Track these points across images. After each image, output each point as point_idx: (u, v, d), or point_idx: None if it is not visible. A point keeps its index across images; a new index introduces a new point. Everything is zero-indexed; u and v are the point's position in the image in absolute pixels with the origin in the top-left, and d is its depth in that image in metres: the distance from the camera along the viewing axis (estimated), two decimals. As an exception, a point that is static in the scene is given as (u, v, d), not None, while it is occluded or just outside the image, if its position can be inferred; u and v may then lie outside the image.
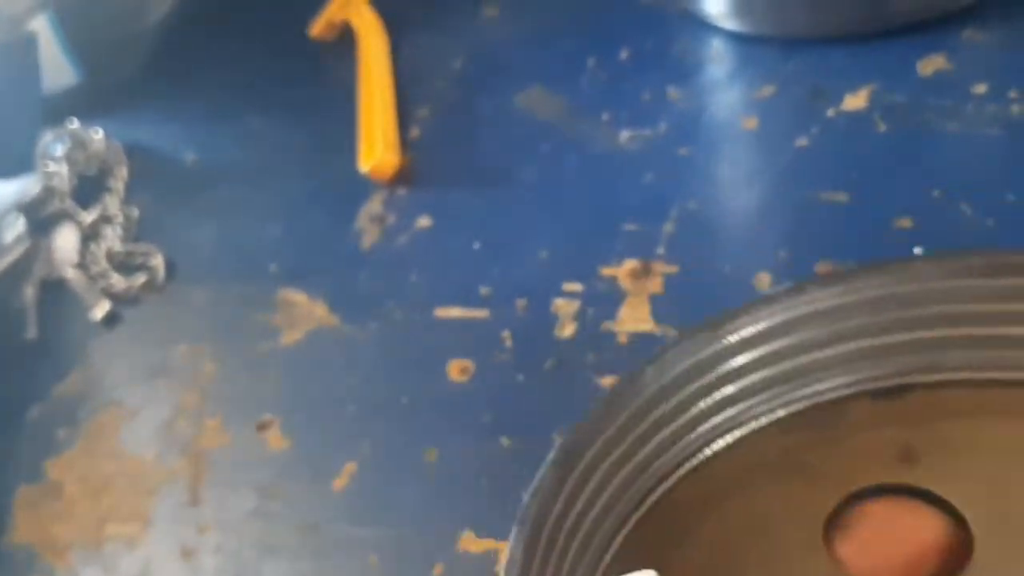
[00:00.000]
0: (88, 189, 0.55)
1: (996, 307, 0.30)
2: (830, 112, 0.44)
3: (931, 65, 0.44)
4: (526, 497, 0.30)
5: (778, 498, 0.29)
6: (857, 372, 0.30)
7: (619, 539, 0.29)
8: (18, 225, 0.54)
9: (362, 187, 0.50)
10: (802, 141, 0.44)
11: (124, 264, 0.52)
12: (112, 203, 0.55)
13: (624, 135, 0.47)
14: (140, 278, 0.51)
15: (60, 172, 0.55)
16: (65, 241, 0.54)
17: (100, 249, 0.53)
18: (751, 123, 0.46)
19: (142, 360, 0.48)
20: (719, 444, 0.30)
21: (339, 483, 0.41)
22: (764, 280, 0.40)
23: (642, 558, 0.28)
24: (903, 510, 0.28)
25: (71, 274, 0.52)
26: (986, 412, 0.29)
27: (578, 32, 0.52)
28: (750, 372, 0.31)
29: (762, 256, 0.41)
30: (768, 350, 0.31)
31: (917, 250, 0.39)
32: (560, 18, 0.54)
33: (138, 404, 0.47)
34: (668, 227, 0.43)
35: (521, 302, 0.43)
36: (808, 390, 0.30)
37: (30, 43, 0.55)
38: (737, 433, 0.30)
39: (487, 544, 0.37)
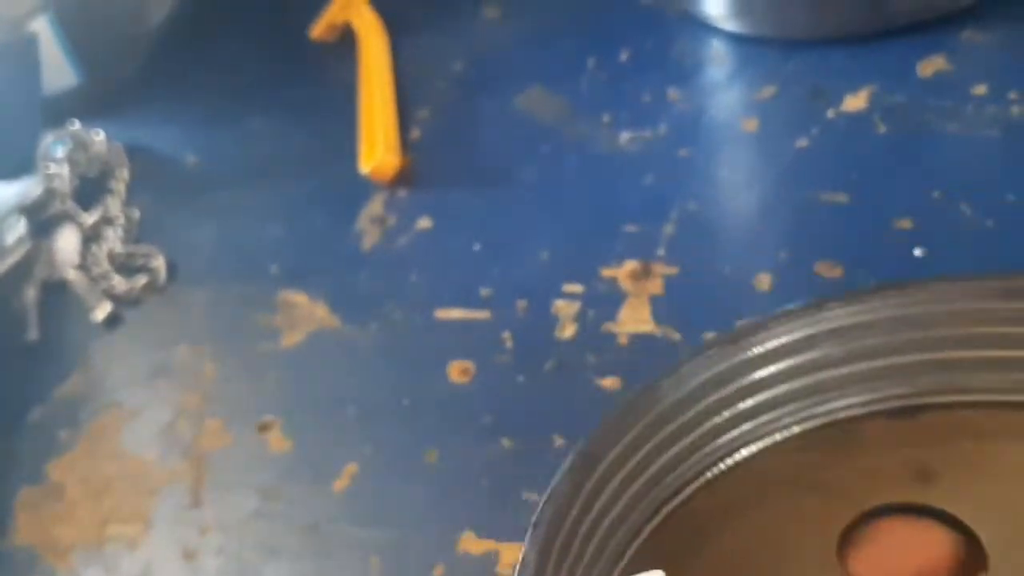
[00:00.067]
0: (89, 190, 0.56)
1: (1015, 329, 0.30)
2: (830, 113, 0.44)
3: (931, 66, 0.44)
4: (541, 501, 0.30)
5: (793, 514, 0.29)
6: (874, 391, 0.30)
7: (632, 549, 0.29)
8: (19, 227, 0.54)
9: (363, 188, 0.50)
10: (802, 142, 0.44)
11: (125, 265, 0.52)
12: (113, 204, 0.55)
13: (624, 136, 0.47)
14: (141, 279, 0.51)
15: (61, 174, 0.56)
16: (66, 243, 0.54)
17: (101, 250, 0.53)
18: (751, 124, 0.46)
19: (143, 361, 0.48)
20: (735, 458, 0.30)
21: (340, 484, 0.41)
22: (764, 281, 0.40)
23: (656, 568, 0.28)
24: (917, 529, 0.28)
25: (72, 275, 0.52)
26: (1003, 433, 0.29)
27: (578, 33, 0.52)
28: (768, 387, 0.31)
29: (762, 257, 0.41)
30: (786, 366, 0.31)
31: (917, 251, 0.39)
32: (560, 19, 0.54)
33: (139, 405, 0.47)
34: (668, 228, 0.43)
35: (521, 303, 0.44)
36: (825, 407, 0.30)
37: (31, 44, 0.55)
38: (753, 448, 0.30)
39: (487, 545, 0.37)
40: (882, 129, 0.43)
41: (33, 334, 0.51)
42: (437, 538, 0.38)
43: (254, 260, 0.50)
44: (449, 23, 0.56)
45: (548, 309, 0.43)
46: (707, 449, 0.30)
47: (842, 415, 0.30)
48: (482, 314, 0.44)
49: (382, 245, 0.48)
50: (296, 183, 0.53)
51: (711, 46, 0.49)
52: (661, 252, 0.43)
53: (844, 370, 0.31)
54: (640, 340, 0.41)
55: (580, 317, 0.42)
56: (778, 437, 0.30)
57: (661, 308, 0.41)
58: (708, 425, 0.31)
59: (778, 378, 0.31)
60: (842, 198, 0.42)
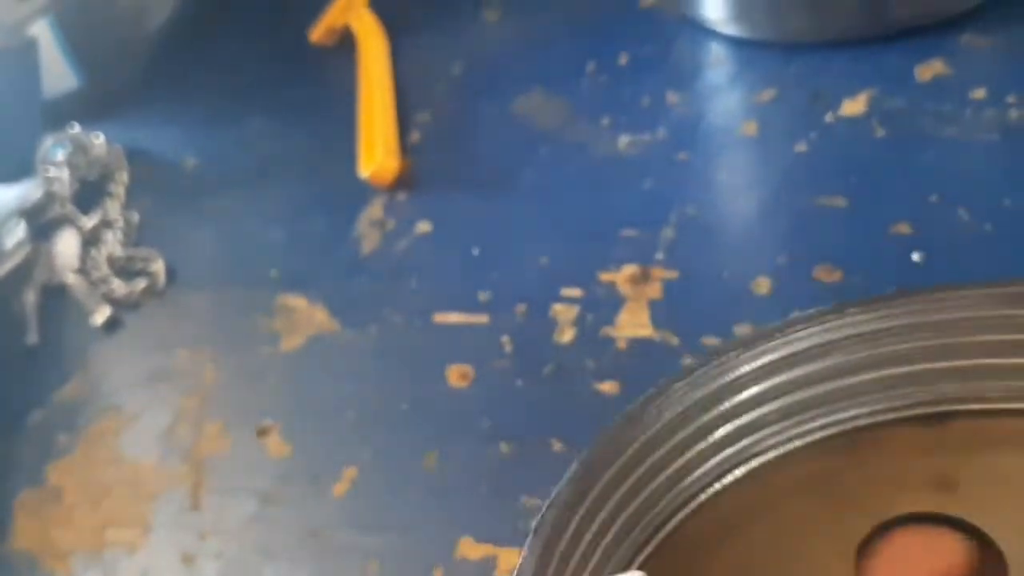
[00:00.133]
0: (89, 194, 0.56)
1: None
2: (829, 117, 0.44)
3: (930, 70, 0.44)
4: (543, 507, 0.29)
5: (808, 522, 0.29)
6: (896, 399, 0.30)
7: (640, 558, 0.29)
8: (19, 230, 0.54)
9: (362, 192, 0.50)
10: (801, 146, 0.44)
11: (125, 269, 0.52)
12: (113, 208, 0.55)
13: (624, 140, 0.47)
14: (141, 283, 0.51)
15: (61, 177, 0.56)
16: (66, 246, 0.54)
17: (101, 254, 0.53)
18: (750, 128, 0.46)
19: (142, 365, 0.48)
20: (750, 465, 0.30)
21: (339, 488, 0.41)
22: (763, 285, 0.40)
23: None
24: (935, 539, 0.27)
25: (72, 279, 0.52)
26: None
27: (578, 36, 0.52)
28: (785, 394, 0.30)
29: (761, 261, 0.41)
30: (802, 372, 0.30)
31: (915, 256, 0.39)
32: (560, 23, 0.54)
33: (138, 409, 0.47)
34: (667, 232, 0.43)
35: (520, 307, 0.44)
36: (844, 415, 0.30)
37: (31, 48, 0.55)
38: (768, 456, 0.30)
39: (486, 549, 0.37)
40: (881, 133, 0.43)
41: (32, 338, 0.51)
42: (436, 542, 0.38)
43: (253, 264, 0.50)
44: (449, 26, 0.56)
45: (547, 313, 0.43)
46: (719, 458, 0.30)
47: (862, 422, 0.30)
48: (481, 318, 0.44)
49: (381, 249, 0.48)
50: (295, 186, 0.53)
51: (710, 50, 0.49)
52: (660, 256, 0.43)
53: (863, 377, 0.30)
54: (639, 344, 0.41)
55: (579, 321, 0.42)
56: (794, 445, 0.30)
57: (660, 312, 0.41)
58: (720, 433, 0.30)
59: (795, 384, 0.30)
60: (841, 202, 0.42)
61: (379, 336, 0.45)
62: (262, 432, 0.44)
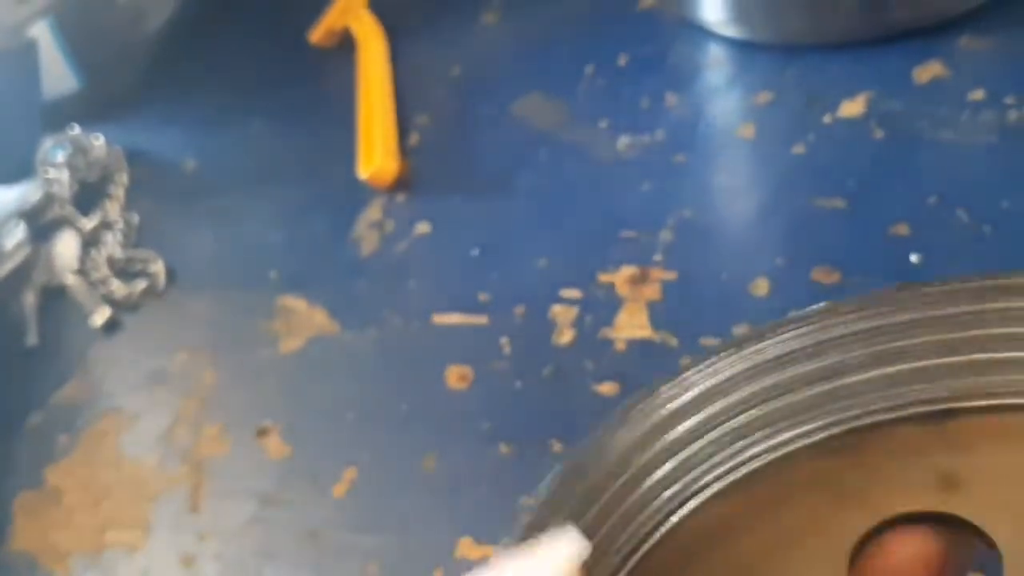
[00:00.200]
0: (88, 195, 0.56)
1: None
2: (827, 119, 0.44)
3: (928, 72, 0.44)
4: (525, 512, 0.29)
5: (807, 521, 0.29)
6: (899, 396, 0.30)
7: (630, 564, 0.29)
8: (19, 231, 0.54)
9: (361, 194, 0.50)
10: (799, 148, 0.44)
11: (124, 270, 0.52)
12: (112, 209, 0.55)
13: (622, 142, 0.47)
14: (140, 284, 0.51)
15: (61, 178, 0.56)
16: (65, 247, 0.54)
17: (100, 255, 0.53)
18: (749, 130, 0.46)
19: (142, 367, 0.48)
20: (751, 467, 0.30)
21: (339, 490, 0.41)
22: (762, 286, 0.41)
23: None
24: (931, 539, 0.27)
25: (71, 280, 0.53)
26: None
27: (577, 39, 0.52)
28: (780, 395, 0.30)
29: (760, 263, 0.41)
30: (797, 373, 0.30)
31: (914, 257, 0.39)
32: (559, 25, 0.54)
33: (138, 411, 0.47)
34: (666, 234, 0.44)
35: (519, 309, 0.44)
36: (844, 415, 0.30)
37: (30, 50, 0.56)
38: (768, 457, 0.29)
39: (486, 550, 0.37)
40: (879, 135, 0.43)
41: (32, 339, 0.51)
42: (435, 544, 0.38)
43: (253, 265, 0.50)
44: (448, 28, 0.56)
45: (546, 315, 0.43)
46: (717, 458, 0.30)
47: (863, 422, 0.30)
48: (480, 319, 0.44)
49: (380, 251, 0.48)
50: (295, 188, 0.53)
51: (709, 52, 0.49)
52: (658, 258, 0.43)
53: (861, 376, 0.30)
54: (638, 346, 0.41)
55: (578, 323, 0.42)
56: (795, 445, 0.30)
57: (658, 314, 0.41)
58: (717, 432, 0.30)
59: (795, 383, 0.30)
60: (839, 204, 0.42)
61: (378, 337, 0.45)
62: (262, 433, 0.44)
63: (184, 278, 0.51)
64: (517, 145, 0.49)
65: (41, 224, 0.55)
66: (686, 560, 0.28)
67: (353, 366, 0.45)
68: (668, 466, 0.29)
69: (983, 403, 0.29)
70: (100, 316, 0.51)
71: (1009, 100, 0.42)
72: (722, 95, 0.48)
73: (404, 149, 0.51)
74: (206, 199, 0.54)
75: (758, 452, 0.29)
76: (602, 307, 0.42)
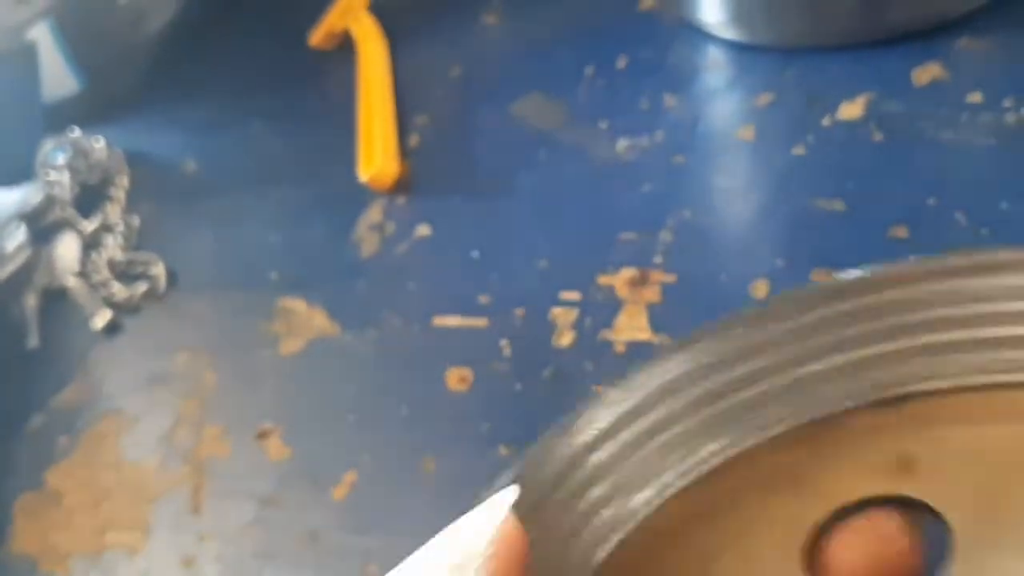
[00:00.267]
0: (89, 197, 0.56)
1: (992, 307, 0.29)
2: (826, 121, 0.44)
3: (927, 74, 0.44)
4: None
5: (763, 515, 0.29)
6: (851, 385, 0.30)
7: (592, 565, 0.28)
8: (19, 234, 0.54)
9: (361, 195, 0.50)
10: (798, 149, 0.44)
11: (125, 273, 0.52)
12: (113, 211, 0.55)
13: (622, 143, 0.47)
14: (141, 287, 0.51)
15: (61, 181, 0.56)
16: (66, 250, 0.54)
17: (101, 258, 0.53)
18: (748, 132, 0.46)
19: (142, 369, 0.49)
20: (711, 464, 0.29)
21: (339, 492, 0.41)
22: (761, 288, 0.41)
23: None
24: (885, 523, 0.27)
25: (72, 283, 0.53)
26: (989, 417, 0.28)
27: (576, 40, 0.52)
28: (737, 390, 0.30)
29: (759, 264, 0.41)
30: (749, 369, 0.30)
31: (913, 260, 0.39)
32: (559, 27, 0.54)
33: (138, 412, 0.47)
34: (665, 236, 0.44)
35: (519, 311, 0.44)
36: (802, 406, 0.30)
37: (30, 52, 0.56)
38: (727, 454, 0.29)
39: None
40: (878, 137, 0.43)
41: (33, 341, 0.51)
42: (435, 545, 0.38)
43: (253, 267, 0.50)
44: (448, 29, 0.56)
45: (546, 317, 0.43)
46: (671, 459, 0.29)
47: (823, 411, 0.30)
48: (480, 321, 0.44)
49: (380, 252, 0.48)
50: (295, 190, 0.53)
51: (708, 54, 0.49)
52: (658, 260, 0.43)
53: (814, 367, 0.30)
54: (637, 348, 0.41)
55: (578, 325, 0.42)
56: (752, 441, 0.30)
57: (658, 316, 0.42)
58: (668, 434, 0.30)
59: (753, 377, 0.30)
60: (838, 206, 0.42)
61: (378, 339, 0.45)
62: (262, 435, 0.44)
63: (185, 280, 0.51)
64: (517, 147, 0.50)
65: (42, 226, 0.55)
66: (646, 559, 0.28)
67: (353, 368, 0.45)
68: (622, 469, 0.29)
69: (937, 385, 0.29)
70: (101, 318, 0.51)
71: (1008, 102, 0.42)
72: (722, 96, 0.48)
73: (404, 150, 0.51)
74: (206, 201, 0.54)
75: (715, 450, 0.29)
76: (602, 309, 0.42)
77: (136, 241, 0.54)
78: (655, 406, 0.29)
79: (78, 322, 0.51)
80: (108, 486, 0.45)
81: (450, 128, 0.52)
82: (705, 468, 0.29)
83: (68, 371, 0.50)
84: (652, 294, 0.42)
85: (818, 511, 0.28)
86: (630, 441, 0.29)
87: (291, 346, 0.47)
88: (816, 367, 0.30)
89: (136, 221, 0.54)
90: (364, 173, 0.51)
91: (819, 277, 0.40)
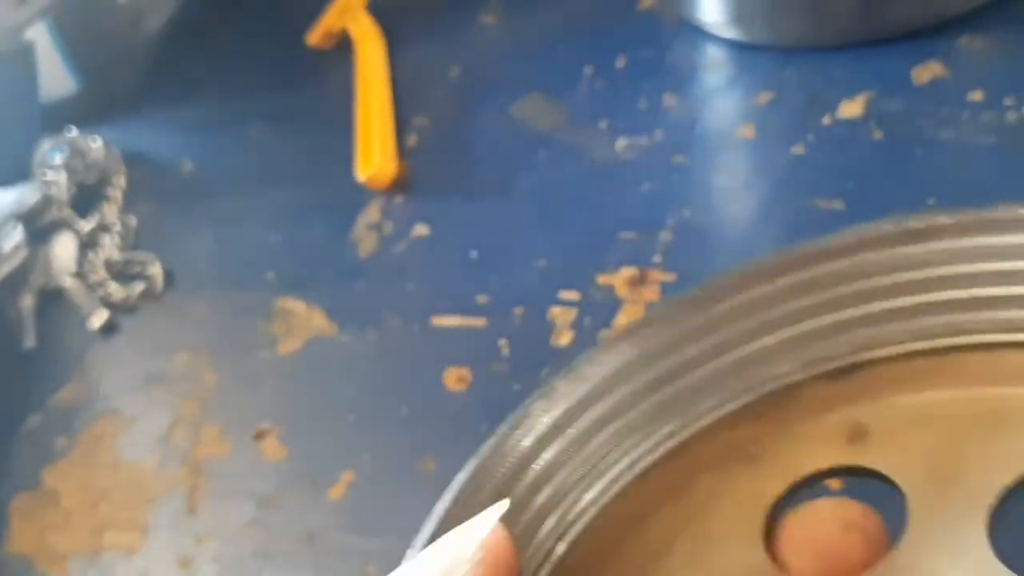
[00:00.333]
0: (86, 197, 0.56)
1: (935, 271, 0.29)
2: (826, 120, 0.44)
3: (927, 73, 0.44)
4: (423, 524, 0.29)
5: (721, 490, 0.29)
6: (804, 356, 0.30)
7: (554, 557, 0.28)
8: (16, 234, 0.54)
9: (359, 195, 0.50)
10: (798, 149, 0.44)
11: (122, 273, 0.52)
12: (110, 211, 0.55)
13: (621, 143, 0.47)
14: (138, 287, 0.51)
15: (58, 180, 0.56)
16: (63, 250, 0.54)
17: (98, 258, 0.53)
18: (747, 131, 0.46)
19: (140, 369, 0.48)
20: (666, 446, 0.29)
21: (337, 492, 0.41)
22: (761, 288, 0.40)
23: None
24: (840, 507, 0.27)
25: (69, 283, 0.52)
26: (937, 381, 0.28)
27: (575, 40, 0.52)
28: (688, 371, 0.30)
29: (759, 264, 0.41)
30: (701, 347, 0.30)
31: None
32: (558, 26, 0.54)
33: (136, 413, 0.47)
34: (665, 235, 0.43)
35: (518, 310, 0.44)
36: (753, 381, 0.30)
37: (28, 52, 0.55)
38: (683, 435, 0.29)
39: (484, 553, 0.37)
40: (878, 136, 0.43)
41: (30, 341, 0.51)
42: (434, 546, 0.38)
43: (251, 267, 0.50)
44: (446, 30, 0.56)
45: (545, 316, 0.43)
46: (626, 445, 0.29)
47: (775, 385, 0.29)
48: (479, 321, 0.44)
49: (379, 252, 0.48)
50: (293, 190, 0.53)
51: (708, 53, 0.49)
52: (657, 259, 0.43)
53: (765, 342, 0.30)
54: (637, 347, 0.41)
55: (577, 324, 0.42)
56: (708, 420, 0.29)
57: (658, 315, 0.41)
58: (623, 420, 0.29)
59: (696, 360, 0.30)
60: (838, 205, 0.42)
61: (377, 339, 0.45)
62: (260, 435, 0.44)
63: (182, 280, 0.51)
64: (516, 147, 0.49)
65: (39, 226, 0.55)
66: (608, 547, 0.28)
67: (352, 368, 0.45)
68: (577, 460, 0.29)
69: (882, 354, 0.29)
70: (98, 318, 0.51)
71: (1008, 101, 0.42)
72: (721, 96, 0.48)
73: (402, 150, 0.51)
74: (204, 201, 0.54)
75: (667, 434, 0.29)
76: (601, 309, 0.42)
77: (133, 241, 0.54)
78: (605, 395, 0.29)
79: (75, 322, 0.51)
80: (106, 486, 0.45)
81: (449, 128, 0.52)
82: (660, 452, 0.29)
83: (65, 371, 0.50)
84: (651, 294, 0.42)
85: (774, 486, 0.28)
86: (583, 431, 0.29)
87: (289, 346, 0.46)
88: (762, 343, 0.30)
89: (133, 221, 0.54)
90: (362, 173, 0.50)
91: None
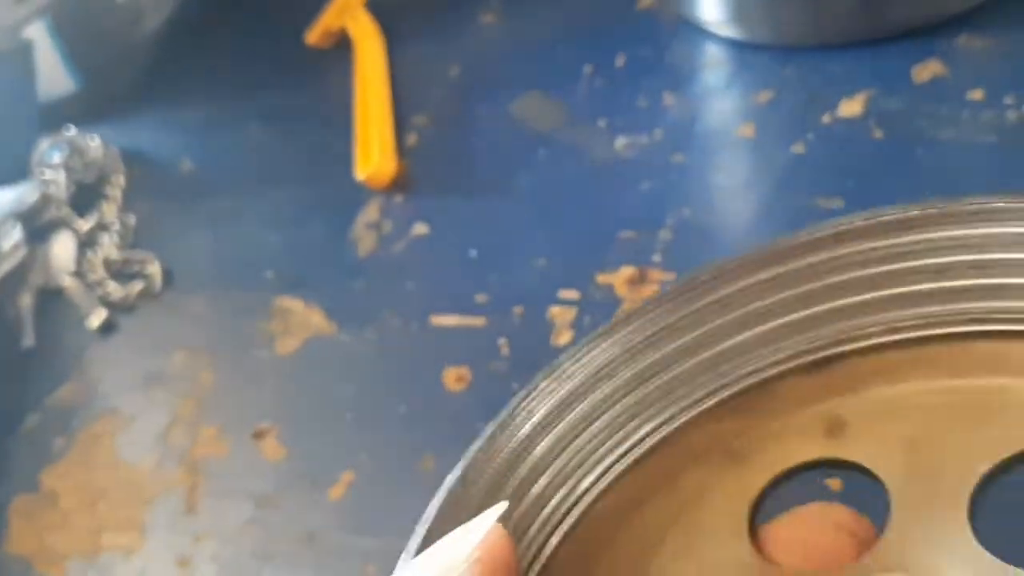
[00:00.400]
0: (85, 197, 0.55)
1: (904, 264, 0.29)
2: (826, 118, 0.44)
3: (927, 71, 0.44)
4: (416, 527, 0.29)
5: (703, 486, 0.29)
6: (779, 351, 0.30)
7: (543, 557, 0.28)
8: (15, 233, 0.54)
9: (359, 195, 0.50)
10: (798, 148, 0.44)
11: (121, 272, 0.52)
12: (109, 211, 0.55)
13: (620, 142, 0.47)
14: (137, 286, 0.51)
15: (57, 180, 0.55)
16: (62, 249, 0.54)
17: (97, 257, 0.53)
18: (747, 130, 0.46)
19: (138, 368, 0.48)
20: (647, 444, 0.30)
21: (335, 492, 0.41)
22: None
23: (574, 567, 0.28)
24: (827, 514, 0.27)
25: (68, 282, 0.52)
26: (912, 372, 0.29)
27: (575, 39, 0.52)
28: (667, 367, 0.30)
29: (759, 263, 0.41)
30: (674, 347, 0.30)
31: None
32: (557, 25, 0.54)
33: (134, 412, 0.47)
34: (664, 234, 0.43)
35: (518, 310, 0.43)
36: (730, 378, 0.30)
37: (26, 51, 0.55)
38: (664, 431, 0.29)
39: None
40: (878, 134, 0.43)
41: (28, 341, 0.51)
42: (433, 546, 0.38)
43: (250, 266, 0.50)
44: (446, 28, 0.56)
45: (544, 315, 0.43)
46: (611, 443, 0.29)
47: (752, 380, 0.30)
48: (478, 320, 0.44)
49: (378, 251, 0.48)
50: (292, 189, 0.52)
51: (707, 52, 0.49)
52: (657, 258, 0.43)
53: (742, 337, 0.30)
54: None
55: (576, 324, 0.42)
56: (687, 416, 0.30)
57: (657, 314, 0.41)
58: (607, 417, 0.30)
59: (675, 356, 0.30)
60: (838, 204, 0.42)
61: (376, 338, 0.45)
62: (259, 435, 0.44)
63: (181, 279, 0.51)
64: (515, 146, 0.49)
65: (37, 225, 0.55)
66: (596, 545, 0.28)
67: (351, 367, 0.45)
68: (562, 458, 0.29)
69: (860, 345, 0.29)
70: (96, 317, 0.51)
71: (1008, 100, 0.42)
72: (721, 95, 0.48)
73: (402, 149, 0.51)
74: (203, 200, 0.54)
75: (651, 429, 0.29)
76: (601, 308, 0.42)
77: (132, 240, 0.53)
78: (587, 393, 0.30)
79: (74, 321, 0.51)
80: (104, 486, 0.45)
81: (448, 127, 0.52)
82: (642, 448, 0.29)
83: (64, 370, 0.49)
84: (651, 292, 0.42)
85: (756, 481, 0.28)
86: (567, 430, 0.30)
87: (288, 345, 0.46)
88: (739, 338, 0.30)
89: (132, 220, 0.54)
90: (361, 172, 0.50)
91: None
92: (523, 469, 0.29)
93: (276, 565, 0.40)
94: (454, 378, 0.42)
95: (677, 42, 0.50)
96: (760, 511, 0.28)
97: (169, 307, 0.50)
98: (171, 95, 0.59)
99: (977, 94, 0.42)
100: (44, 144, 0.56)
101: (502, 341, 0.43)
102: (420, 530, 0.28)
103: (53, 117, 0.57)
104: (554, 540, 0.28)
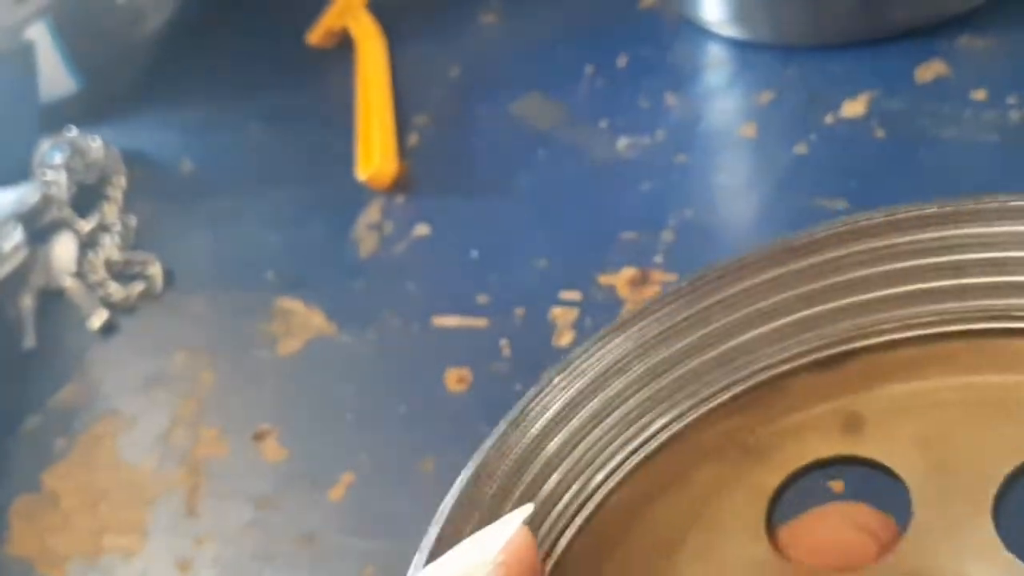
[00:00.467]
0: (86, 197, 0.55)
1: (920, 261, 0.29)
2: (828, 119, 0.44)
3: (929, 71, 0.44)
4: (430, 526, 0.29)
5: (718, 483, 0.29)
6: (793, 347, 0.30)
7: (555, 554, 0.28)
8: (16, 234, 0.54)
9: (360, 195, 0.50)
10: (800, 148, 0.44)
11: (122, 273, 0.52)
12: (110, 211, 0.55)
13: (622, 142, 0.47)
14: (138, 287, 0.51)
15: (58, 180, 0.55)
16: (63, 250, 0.54)
17: (98, 258, 0.53)
18: (749, 130, 0.46)
19: (139, 369, 0.48)
20: (659, 439, 0.30)
21: (336, 493, 0.41)
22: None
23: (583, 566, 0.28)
24: (848, 513, 0.27)
25: (69, 283, 0.52)
26: (929, 368, 0.29)
27: (576, 39, 0.52)
28: (679, 363, 0.30)
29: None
30: (691, 339, 0.30)
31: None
32: (558, 25, 0.53)
33: (135, 413, 0.47)
34: (666, 235, 0.43)
35: (519, 311, 0.43)
36: (743, 373, 0.30)
37: (27, 51, 0.55)
38: (676, 427, 0.29)
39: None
40: (880, 135, 0.43)
41: (29, 342, 0.51)
42: (434, 547, 0.38)
43: (251, 267, 0.50)
44: (447, 29, 0.56)
45: (546, 316, 0.43)
46: (622, 439, 0.29)
47: (765, 375, 0.30)
48: (479, 321, 0.44)
49: (379, 252, 0.48)
50: (293, 190, 0.52)
51: (709, 52, 0.49)
52: (659, 259, 0.43)
53: (755, 332, 0.30)
54: (638, 347, 0.40)
55: (578, 325, 0.42)
56: (699, 412, 0.30)
57: (659, 315, 0.41)
58: (619, 413, 0.30)
59: (687, 352, 0.30)
60: (841, 204, 0.42)
61: (377, 339, 0.45)
62: (259, 436, 0.44)
63: (182, 280, 0.51)
64: (516, 146, 0.49)
65: (39, 226, 0.54)
66: (610, 542, 0.28)
67: (351, 368, 0.45)
68: (574, 455, 0.29)
69: (874, 341, 0.29)
70: (98, 318, 0.51)
71: (1011, 100, 0.42)
72: (723, 95, 0.48)
73: (403, 150, 0.51)
74: (204, 201, 0.54)
75: (663, 425, 0.29)
76: (602, 309, 0.42)
77: (133, 241, 0.53)
78: (600, 389, 0.30)
79: (75, 322, 0.51)
80: (105, 487, 0.45)
81: (449, 127, 0.52)
82: (655, 444, 0.29)
83: (65, 372, 0.49)
84: (653, 293, 0.42)
85: (773, 477, 0.28)
86: (579, 426, 0.29)
87: (289, 346, 0.46)
88: (751, 334, 0.30)
89: (133, 221, 0.54)
90: (363, 172, 0.50)
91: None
92: (536, 465, 0.29)
93: (276, 566, 0.40)
94: (455, 379, 0.42)
95: (679, 42, 0.50)
96: (777, 509, 0.28)
97: (170, 308, 0.50)
98: (172, 95, 0.59)
99: (979, 94, 0.42)
100: (45, 145, 0.56)
101: (503, 342, 0.43)
102: (433, 529, 0.27)
103: (54, 118, 0.57)
104: (567, 536, 0.28)
